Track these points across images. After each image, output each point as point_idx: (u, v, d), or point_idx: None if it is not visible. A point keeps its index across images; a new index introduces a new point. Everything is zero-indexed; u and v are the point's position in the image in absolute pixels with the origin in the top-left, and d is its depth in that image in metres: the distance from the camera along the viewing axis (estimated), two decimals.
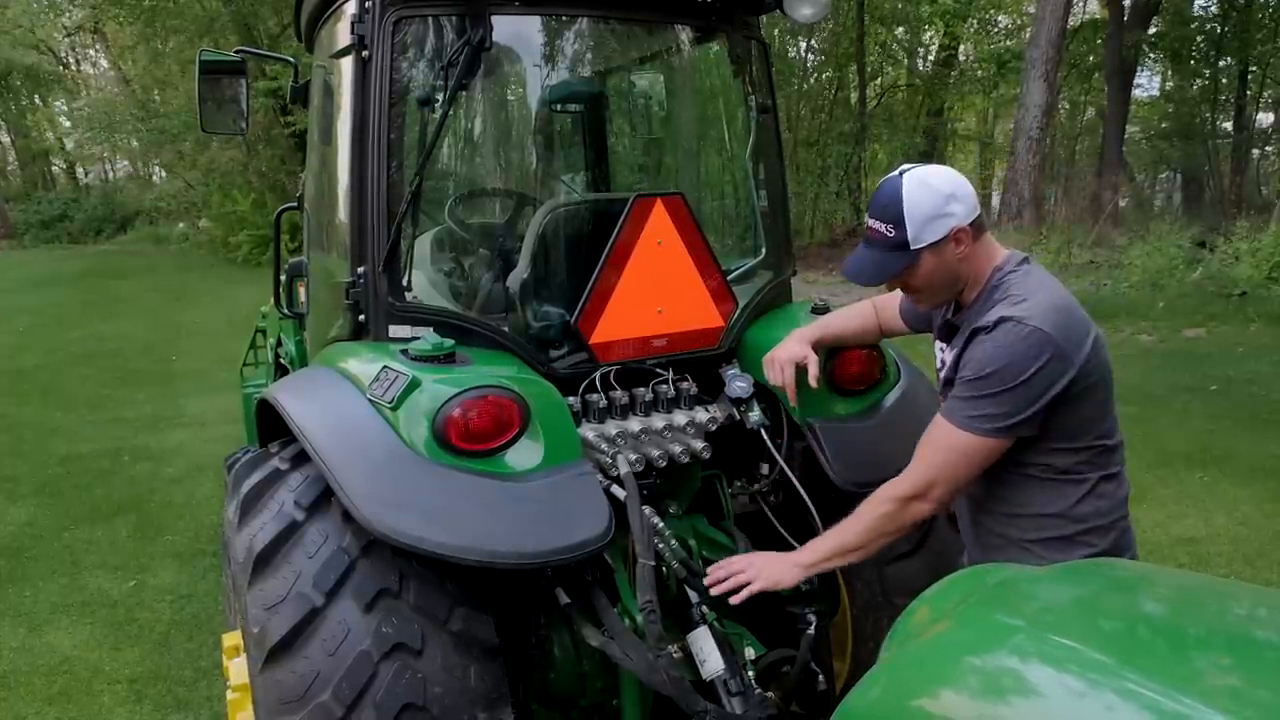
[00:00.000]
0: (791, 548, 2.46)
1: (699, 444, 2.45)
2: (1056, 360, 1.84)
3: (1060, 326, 1.86)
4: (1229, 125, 21.51)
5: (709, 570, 2.21)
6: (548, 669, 2.36)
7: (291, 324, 3.74)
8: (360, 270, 2.41)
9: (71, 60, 30.60)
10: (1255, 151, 22.33)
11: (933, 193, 1.92)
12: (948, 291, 2.05)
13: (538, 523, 1.99)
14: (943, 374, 2.12)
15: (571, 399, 2.39)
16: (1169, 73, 23.13)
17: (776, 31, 17.31)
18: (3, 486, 5.89)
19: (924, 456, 2.01)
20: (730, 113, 3.09)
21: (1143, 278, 10.45)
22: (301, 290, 3.38)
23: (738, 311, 2.66)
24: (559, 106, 3.33)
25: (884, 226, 1.96)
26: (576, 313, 2.43)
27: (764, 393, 2.57)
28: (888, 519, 2.03)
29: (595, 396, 2.44)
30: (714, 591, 2.17)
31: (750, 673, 2.29)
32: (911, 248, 1.94)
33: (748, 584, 2.12)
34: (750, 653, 2.36)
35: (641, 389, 2.51)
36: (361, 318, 2.43)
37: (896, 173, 1.99)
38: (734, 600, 2.13)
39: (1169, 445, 5.81)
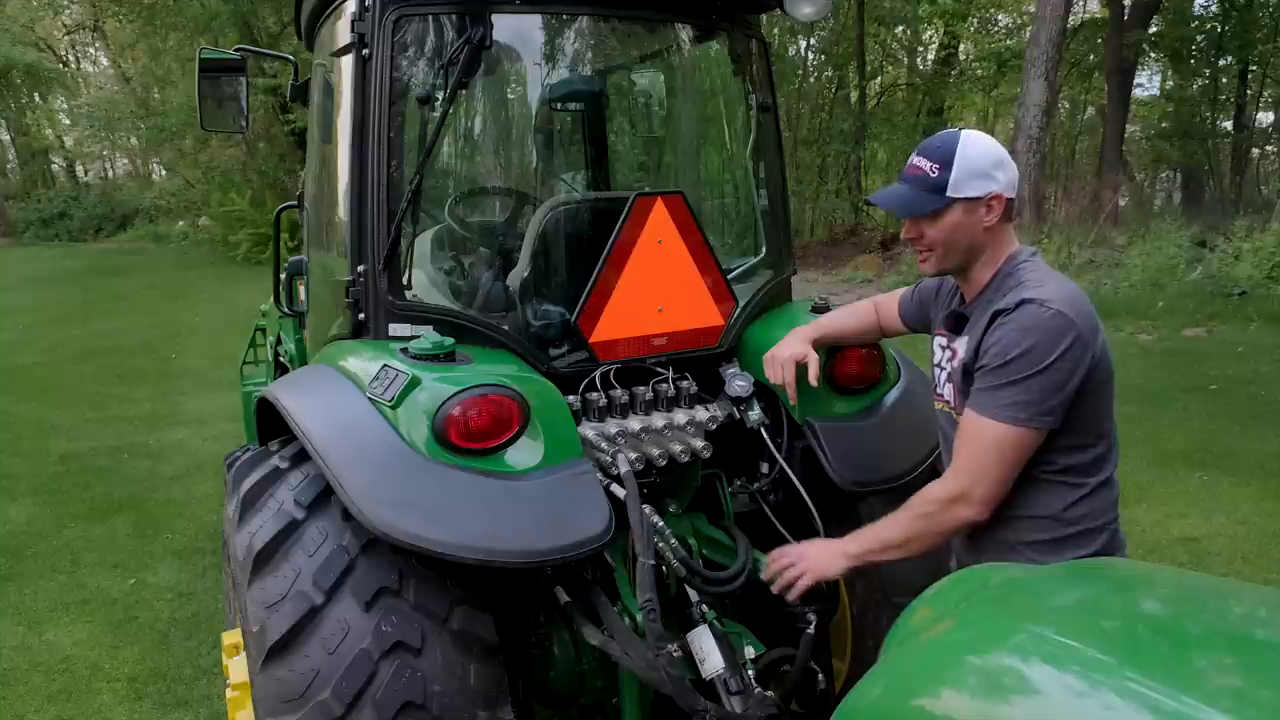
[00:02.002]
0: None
1: (699, 443, 2.45)
2: (1079, 345, 1.83)
3: (1080, 313, 1.86)
4: (1229, 125, 21.50)
5: (770, 564, 2.21)
6: (547, 668, 2.36)
7: (291, 322, 3.74)
8: (360, 268, 2.40)
9: (71, 58, 30.62)
10: (1255, 151, 22.33)
11: (986, 151, 1.93)
12: (959, 258, 2.00)
13: (538, 521, 1.99)
14: (953, 364, 2.08)
15: (571, 398, 2.39)
16: (1169, 72, 23.12)
17: (776, 30, 17.32)
18: (2, 485, 5.88)
19: (960, 455, 1.97)
20: (730, 111, 3.09)
21: (1143, 277, 10.45)
22: (301, 288, 3.38)
23: (738, 310, 2.66)
24: (559, 105, 3.32)
25: (929, 165, 1.94)
26: (577, 311, 2.43)
27: (764, 392, 2.57)
28: (927, 520, 2.00)
29: (595, 395, 2.44)
30: (775, 590, 2.18)
31: (750, 671, 2.29)
32: (947, 194, 1.92)
33: (799, 578, 2.14)
34: (750, 651, 2.36)
35: (641, 388, 2.51)
36: (361, 316, 2.43)
37: (955, 128, 2.01)
38: (790, 597, 2.15)
39: (1169, 445, 5.81)
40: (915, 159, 1.98)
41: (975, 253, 1.99)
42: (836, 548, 2.13)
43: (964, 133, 1.97)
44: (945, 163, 1.92)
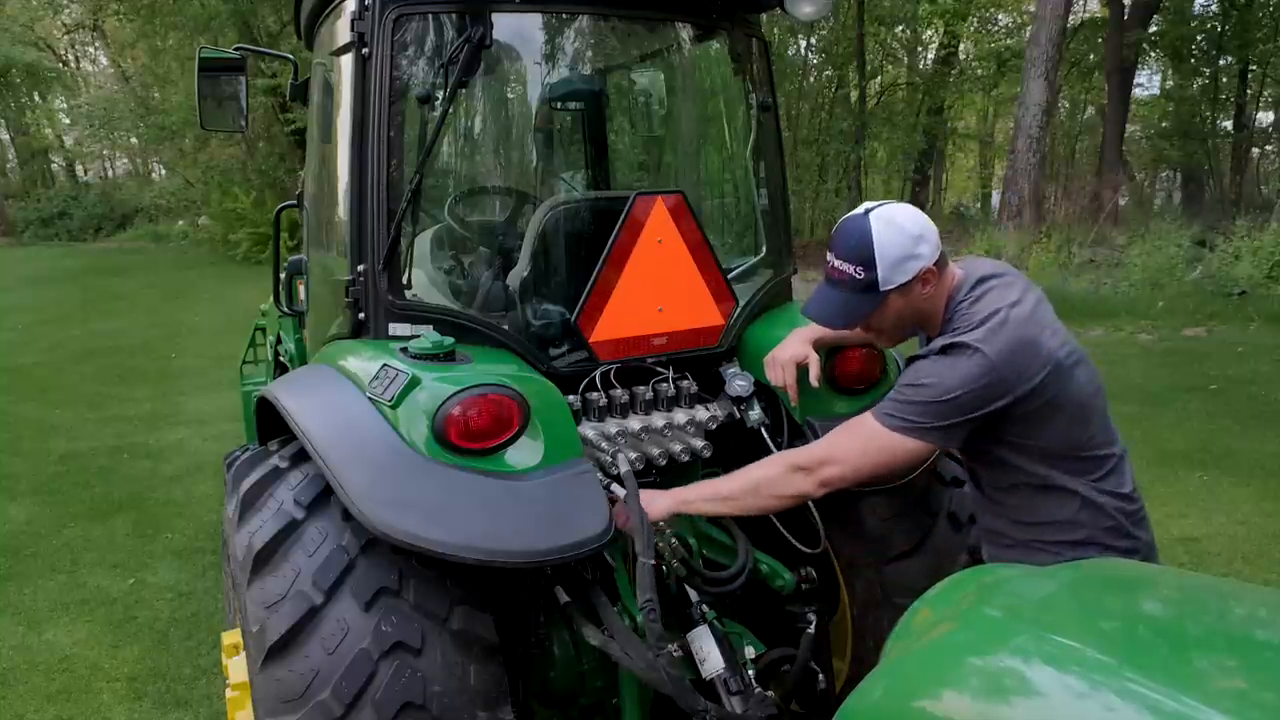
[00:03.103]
0: (792, 547, 2.47)
1: (699, 442, 2.45)
2: (992, 385, 1.85)
3: (1006, 351, 1.85)
4: (1229, 124, 21.53)
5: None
6: (547, 668, 2.36)
7: (291, 322, 3.73)
8: (360, 268, 2.40)
9: (71, 57, 30.63)
10: (1255, 150, 22.37)
11: (902, 233, 1.91)
12: (910, 328, 2.09)
13: (538, 521, 1.99)
14: None
15: (572, 397, 2.39)
16: (1169, 71, 23.14)
17: (776, 30, 17.32)
18: (2, 485, 5.88)
19: (831, 434, 2.03)
20: (731, 111, 3.08)
21: (1143, 277, 10.46)
22: (301, 288, 3.38)
23: (738, 310, 2.66)
24: (559, 104, 3.32)
25: (852, 268, 1.93)
26: (577, 311, 2.43)
27: (764, 391, 2.57)
28: (766, 481, 2.05)
29: (595, 395, 2.44)
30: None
31: (750, 671, 2.29)
32: (880, 289, 1.93)
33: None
34: (750, 651, 2.37)
35: (642, 387, 2.51)
36: (361, 316, 2.42)
37: (861, 212, 1.97)
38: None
39: (1169, 445, 5.81)
40: (835, 262, 1.96)
41: (924, 317, 2.05)
42: (665, 493, 2.19)
43: (873, 218, 1.92)
44: (867, 262, 1.91)
